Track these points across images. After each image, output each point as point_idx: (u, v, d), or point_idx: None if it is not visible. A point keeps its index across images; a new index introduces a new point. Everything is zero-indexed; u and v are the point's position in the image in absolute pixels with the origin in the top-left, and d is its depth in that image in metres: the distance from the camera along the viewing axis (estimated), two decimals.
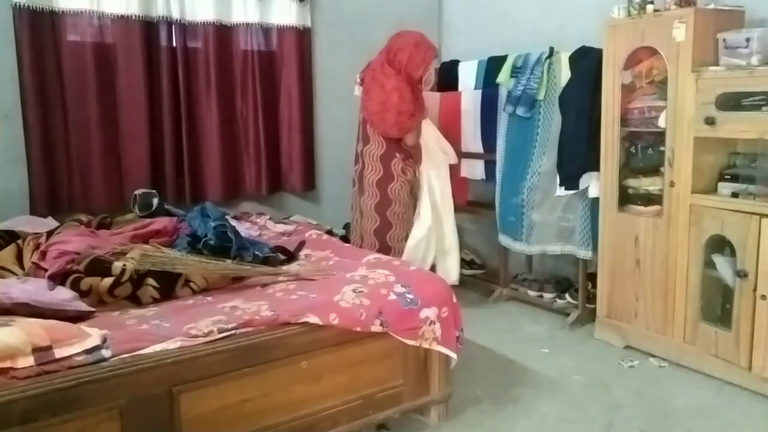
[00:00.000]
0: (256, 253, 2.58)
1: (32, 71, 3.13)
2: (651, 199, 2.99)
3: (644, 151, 3.04)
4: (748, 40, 2.57)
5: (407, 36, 3.32)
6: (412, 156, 3.37)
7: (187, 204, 3.47)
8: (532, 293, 3.76)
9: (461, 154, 3.98)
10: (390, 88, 3.21)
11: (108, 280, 2.21)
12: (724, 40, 2.66)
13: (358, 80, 3.46)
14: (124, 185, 3.45)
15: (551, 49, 3.44)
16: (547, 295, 3.69)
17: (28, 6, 3.09)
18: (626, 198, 3.09)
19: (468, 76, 3.97)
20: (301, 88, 3.96)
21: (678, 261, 2.85)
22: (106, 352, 1.76)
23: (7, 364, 1.62)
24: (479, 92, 3.86)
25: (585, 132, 3.19)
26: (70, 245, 2.41)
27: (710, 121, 2.65)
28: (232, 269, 2.40)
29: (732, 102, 2.59)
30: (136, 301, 2.24)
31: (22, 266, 2.50)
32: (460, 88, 4.02)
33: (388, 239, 3.35)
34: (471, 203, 4.19)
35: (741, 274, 2.58)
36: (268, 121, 3.88)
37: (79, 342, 1.74)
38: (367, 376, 2.22)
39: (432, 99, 4.02)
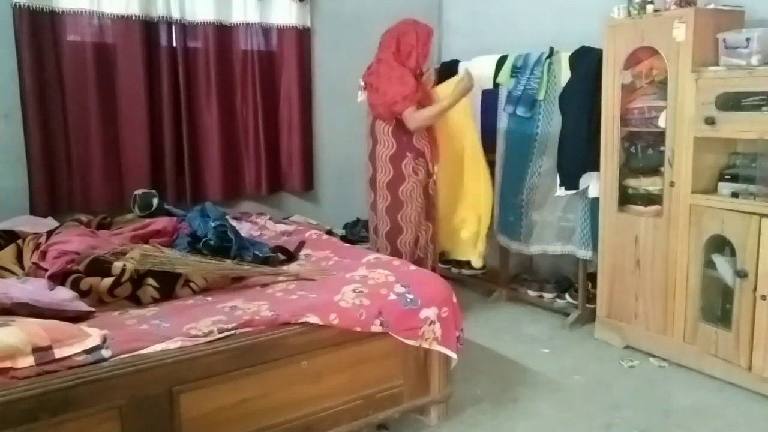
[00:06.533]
0: (256, 253, 2.58)
1: (32, 71, 3.13)
2: (651, 199, 2.99)
3: (644, 151, 3.04)
4: (748, 40, 2.57)
5: (403, 21, 3.24)
6: (424, 155, 3.23)
7: (187, 204, 3.47)
8: (532, 293, 3.76)
9: None
10: (395, 77, 3.11)
11: (108, 280, 2.21)
12: (724, 40, 2.66)
13: (362, 85, 3.35)
14: (124, 185, 3.45)
15: (551, 49, 3.44)
16: (547, 295, 3.69)
17: (28, 6, 3.09)
18: (626, 198, 3.09)
19: (485, 71, 3.81)
20: (300, 88, 3.96)
21: (678, 261, 2.85)
22: (106, 352, 1.76)
23: (7, 364, 1.62)
24: (479, 92, 3.86)
25: (585, 132, 3.19)
26: (70, 245, 2.41)
27: (710, 121, 2.65)
28: (232, 269, 2.40)
29: (732, 102, 2.59)
30: (136, 301, 2.24)
31: (22, 266, 2.50)
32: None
33: (398, 244, 3.23)
34: None
35: (741, 274, 2.58)
36: (267, 121, 3.89)
37: (79, 342, 1.74)
38: (367, 376, 2.22)
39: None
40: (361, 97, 3.37)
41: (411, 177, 3.18)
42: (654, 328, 2.99)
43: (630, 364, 2.95)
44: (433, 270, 3.32)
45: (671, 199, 2.85)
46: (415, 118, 3.09)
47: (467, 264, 4.18)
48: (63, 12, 3.20)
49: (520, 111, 3.48)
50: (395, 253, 3.18)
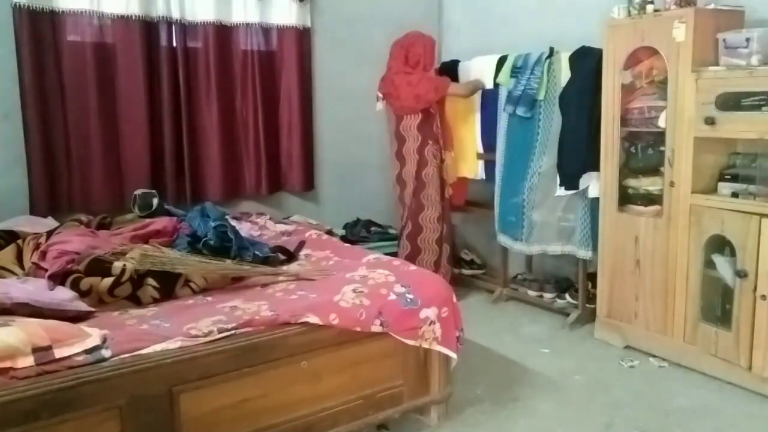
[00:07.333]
0: (256, 253, 2.58)
1: (32, 71, 3.13)
2: (651, 199, 2.99)
3: (644, 151, 3.04)
4: (748, 40, 2.57)
5: (410, 34, 3.71)
6: (439, 141, 3.71)
7: (187, 204, 3.46)
8: (532, 293, 3.76)
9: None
10: (416, 81, 3.61)
11: (108, 280, 2.21)
12: (724, 40, 2.66)
13: (380, 96, 3.78)
14: (124, 185, 3.44)
15: (551, 49, 3.44)
16: (547, 295, 3.69)
17: (28, 6, 3.08)
18: (626, 198, 3.09)
19: (485, 71, 3.83)
20: (300, 88, 3.95)
21: (678, 261, 2.85)
22: (106, 352, 1.76)
23: (7, 364, 1.62)
24: (479, 92, 3.86)
25: (585, 132, 3.19)
26: (70, 245, 2.41)
27: (710, 121, 2.65)
28: (232, 269, 2.40)
29: (732, 102, 2.59)
30: (136, 301, 2.24)
31: (22, 266, 2.50)
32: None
33: (420, 219, 3.71)
34: (470, 203, 4.19)
35: (741, 274, 2.58)
36: (267, 121, 3.88)
37: (79, 342, 1.74)
38: (367, 376, 2.23)
39: None
40: (380, 106, 3.83)
41: (432, 161, 3.70)
42: (654, 328, 2.99)
43: (630, 364, 2.95)
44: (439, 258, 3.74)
45: (671, 199, 2.85)
46: (458, 85, 3.75)
47: (467, 264, 4.20)
48: (63, 12, 3.20)
49: (520, 111, 3.48)
50: (416, 228, 3.72)
